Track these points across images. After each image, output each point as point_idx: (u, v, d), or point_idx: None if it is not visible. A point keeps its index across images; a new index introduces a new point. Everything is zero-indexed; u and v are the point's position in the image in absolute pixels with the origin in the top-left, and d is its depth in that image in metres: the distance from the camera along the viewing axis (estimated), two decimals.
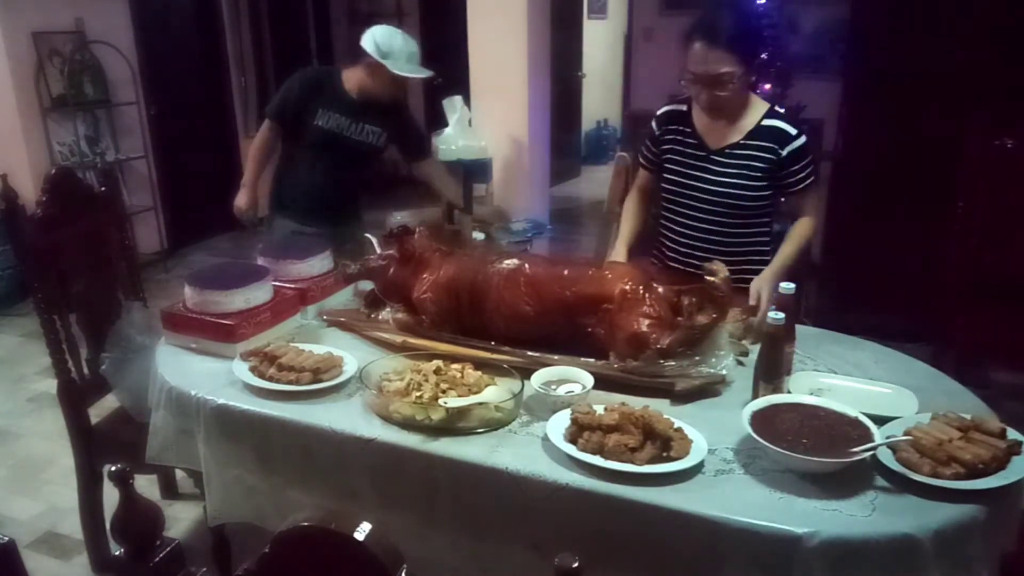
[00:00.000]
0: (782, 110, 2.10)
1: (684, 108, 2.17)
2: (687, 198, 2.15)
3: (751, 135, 2.06)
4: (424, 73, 2.81)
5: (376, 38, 2.73)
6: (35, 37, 4.68)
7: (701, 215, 2.12)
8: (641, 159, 2.31)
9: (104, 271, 2.41)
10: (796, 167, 2.05)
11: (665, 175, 2.21)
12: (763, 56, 1.98)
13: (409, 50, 2.76)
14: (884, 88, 3.86)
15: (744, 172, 2.06)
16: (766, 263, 2.11)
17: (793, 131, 2.04)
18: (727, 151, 2.07)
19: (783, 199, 2.16)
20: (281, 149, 2.99)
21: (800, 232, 2.11)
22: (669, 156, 2.19)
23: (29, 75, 4.70)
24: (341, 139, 2.84)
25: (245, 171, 3.02)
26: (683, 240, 2.19)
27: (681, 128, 2.16)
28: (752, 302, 1.93)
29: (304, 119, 2.81)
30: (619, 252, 2.23)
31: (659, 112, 2.24)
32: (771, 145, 2.04)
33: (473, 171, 3.46)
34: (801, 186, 2.08)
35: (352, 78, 2.85)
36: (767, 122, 2.05)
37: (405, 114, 3.03)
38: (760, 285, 1.97)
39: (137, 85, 5.19)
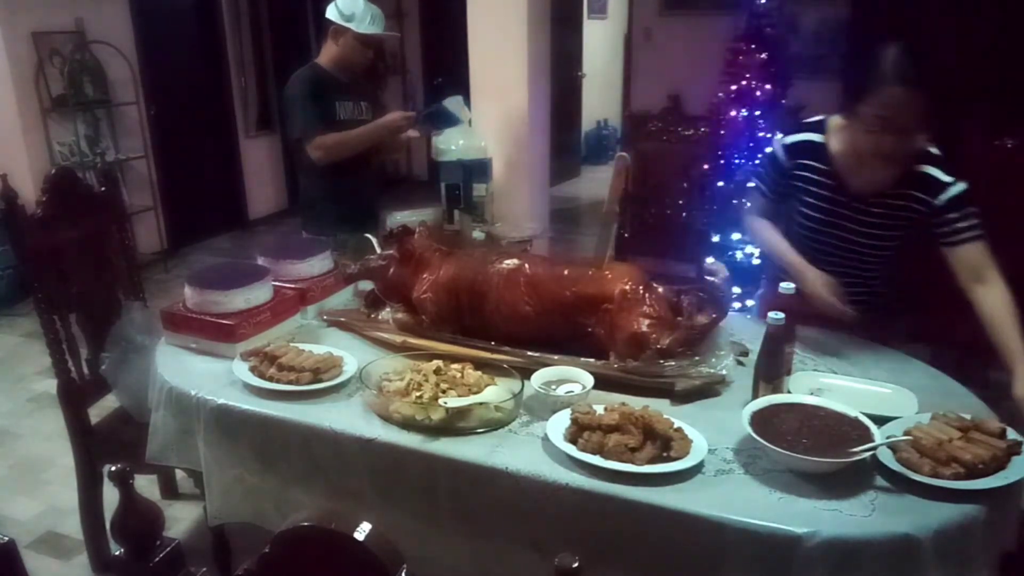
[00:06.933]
0: (937, 152, 1.83)
1: (819, 139, 1.89)
2: (815, 241, 1.95)
3: (902, 183, 1.80)
4: (391, 32, 2.90)
5: (338, 4, 2.76)
6: (35, 37, 4.68)
7: (831, 258, 1.90)
8: (759, 184, 2.03)
9: (104, 271, 2.40)
10: (955, 215, 1.78)
11: (799, 213, 1.96)
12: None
13: (372, 12, 2.77)
14: None
15: (890, 223, 1.86)
16: (881, 295, 2.00)
17: (947, 178, 1.79)
18: (873, 200, 1.83)
19: (947, 256, 1.83)
20: (299, 167, 2.88)
21: (1005, 309, 1.71)
22: (799, 195, 1.94)
23: (29, 75, 4.70)
24: (351, 125, 2.81)
25: None
26: None
27: (815, 165, 1.89)
28: None
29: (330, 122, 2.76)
30: (807, 268, 1.87)
31: (788, 140, 1.94)
32: (922, 196, 1.80)
33: (473, 171, 3.46)
34: (967, 236, 1.78)
35: (325, 57, 2.84)
36: (919, 168, 1.80)
37: (382, 86, 3.07)
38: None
39: (137, 85, 5.19)
